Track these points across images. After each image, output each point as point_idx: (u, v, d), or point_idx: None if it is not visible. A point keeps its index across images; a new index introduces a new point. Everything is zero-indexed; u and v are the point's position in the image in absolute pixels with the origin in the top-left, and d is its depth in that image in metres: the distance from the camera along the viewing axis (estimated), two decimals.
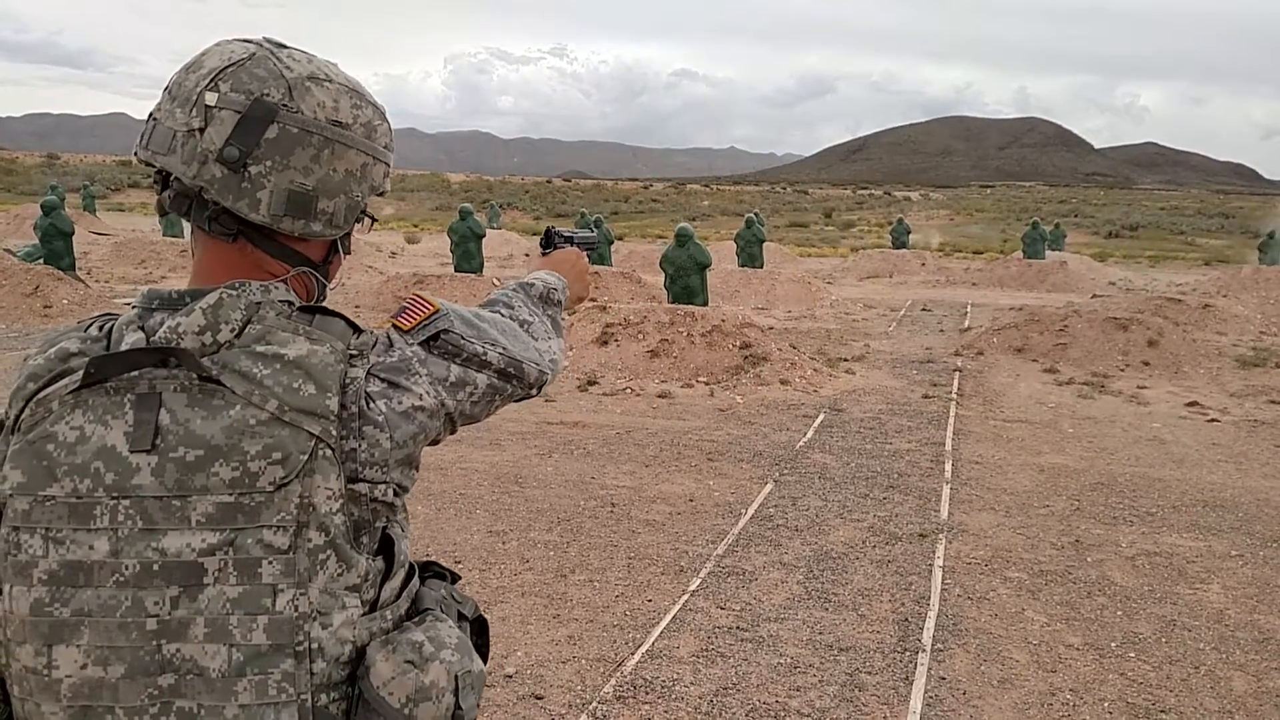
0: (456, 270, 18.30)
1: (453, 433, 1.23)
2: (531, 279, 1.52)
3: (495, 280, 17.66)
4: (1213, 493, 7.28)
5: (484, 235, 18.47)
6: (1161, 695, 4.24)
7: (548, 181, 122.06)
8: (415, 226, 46.10)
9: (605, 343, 11.67)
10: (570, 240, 1.75)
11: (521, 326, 1.36)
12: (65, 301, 14.48)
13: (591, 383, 10.67)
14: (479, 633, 1.30)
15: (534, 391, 1.32)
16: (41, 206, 16.59)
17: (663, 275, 13.82)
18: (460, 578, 1.35)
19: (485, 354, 1.23)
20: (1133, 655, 4.61)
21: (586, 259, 1.72)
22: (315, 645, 1.06)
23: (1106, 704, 4.15)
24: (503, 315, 1.36)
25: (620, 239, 32.81)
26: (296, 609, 1.04)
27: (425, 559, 1.32)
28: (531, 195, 77.99)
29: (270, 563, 1.04)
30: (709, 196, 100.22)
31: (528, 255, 31.25)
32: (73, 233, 16.73)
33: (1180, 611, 5.13)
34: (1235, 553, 6.00)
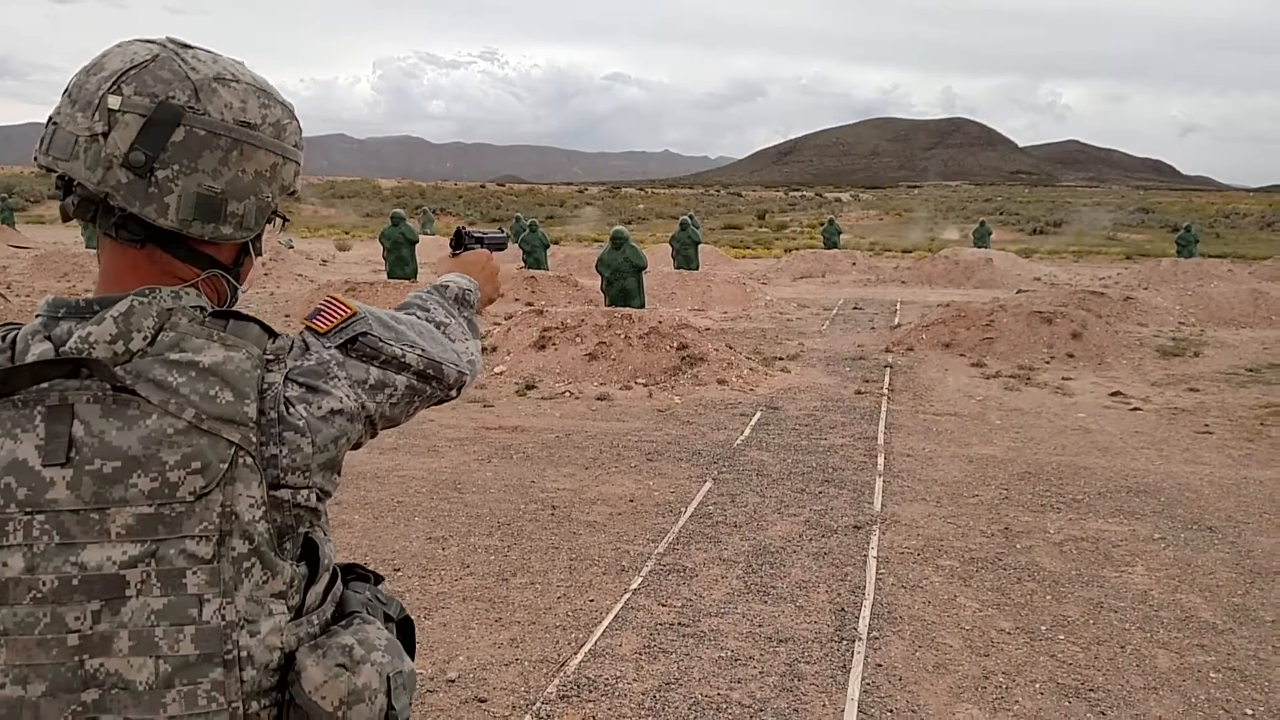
0: (390, 277, 18.16)
1: (373, 435, 1.23)
2: (445, 281, 1.51)
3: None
4: (1136, 479, 7.52)
5: (417, 241, 18.35)
6: (1090, 675, 4.38)
7: (481, 186, 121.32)
8: (346, 233, 45.52)
9: (543, 346, 11.66)
10: (480, 241, 1.74)
11: (438, 328, 1.36)
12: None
13: (530, 387, 10.66)
14: (405, 633, 1.30)
15: (453, 393, 1.32)
16: None
17: (599, 279, 13.85)
18: (384, 579, 1.35)
19: (404, 356, 1.23)
20: (1062, 637, 4.75)
21: (496, 260, 1.72)
22: (244, 653, 1.05)
23: (1038, 685, 4.28)
24: (419, 317, 1.36)
25: (556, 243, 32.75)
26: (224, 618, 1.04)
27: (347, 562, 1.32)
28: (465, 200, 77.47)
29: (195, 573, 1.03)
30: (644, 200, 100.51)
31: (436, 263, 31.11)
32: None
33: (1106, 594, 5.29)
34: (1158, 536, 6.20)
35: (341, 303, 1.23)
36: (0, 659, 1.01)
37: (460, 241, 1.70)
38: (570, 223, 60.04)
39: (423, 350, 1.26)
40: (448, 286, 1.49)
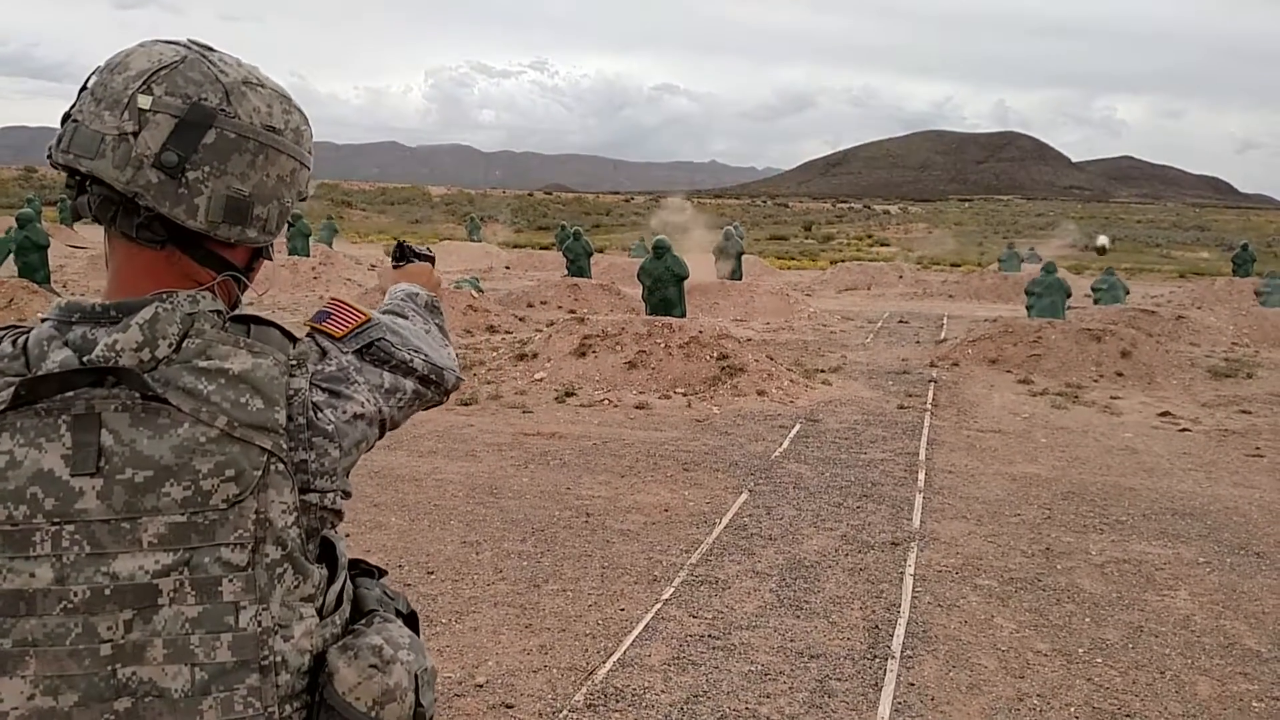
0: None
1: (380, 438, 1.24)
2: (412, 290, 1.51)
3: (473, 293, 17.65)
4: (1182, 501, 7.36)
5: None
6: (1127, 700, 4.29)
7: (529, 195, 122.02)
8: (395, 239, 46.06)
9: (583, 354, 11.69)
10: (421, 256, 1.76)
11: (425, 334, 1.38)
12: (40, 315, 14.37)
13: (569, 394, 10.68)
14: (411, 627, 1.30)
15: (445, 398, 1.34)
16: (16, 219, 16.50)
17: (640, 287, 13.86)
18: (386, 572, 1.35)
19: (411, 361, 1.25)
20: (1100, 661, 4.66)
21: (435, 272, 1.72)
22: (279, 658, 1.06)
23: (1073, 709, 4.19)
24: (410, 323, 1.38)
25: (600, 251, 32.84)
26: (260, 624, 1.04)
27: (351, 557, 1.32)
28: (513, 208, 77.95)
29: (230, 580, 1.03)
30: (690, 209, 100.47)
31: (508, 268, 31.27)
32: (48, 246, 16.62)
33: (1147, 618, 5.18)
34: (1203, 560, 6.07)
35: (353, 307, 1.24)
36: (31, 670, 1.01)
37: (403, 254, 1.72)
38: (615, 231, 60.19)
39: (426, 355, 1.28)
40: (417, 294, 1.49)
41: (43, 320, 1.11)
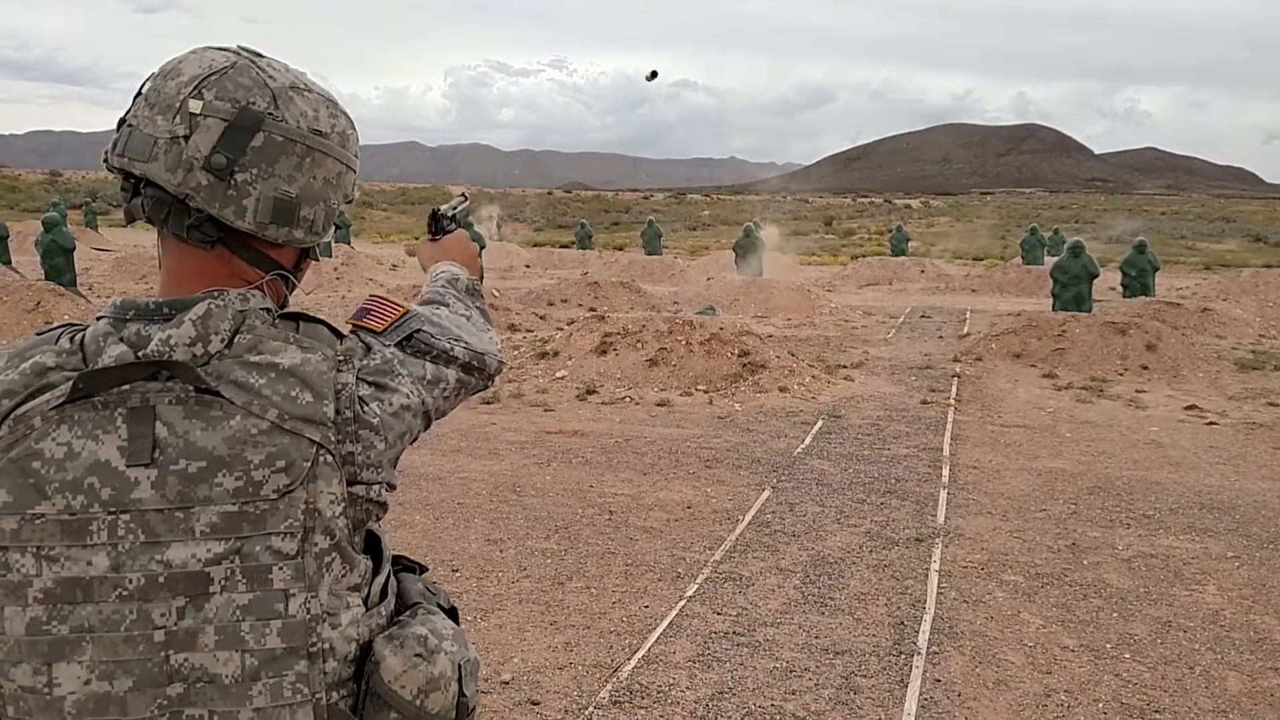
0: None
1: (426, 429, 1.26)
2: (453, 273, 1.50)
3: (494, 291, 17.70)
4: (1210, 495, 7.29)
5: (484, 247, 18.53)
6: (1156, 696, 4.26)
7: (549, 193, 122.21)
8: (417, 239, 46.21)
9: (604, 352, 11.70)
10: (454, 220, 1.68)
11: (466, 320, 1.38)
12: (66, 317, 14.52)
13: (590, 391, 10.69)
14: (452, 621, 1.32)
15: (490, 383, 1.35)
16: (43, 223, 16.68)
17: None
18: (427, 569, 1.38)
19: (452, 349, 1.26)
20: (1128, 656, 4.63)
21: (472, 244, 1.67)
22: (327, 645, 1.09)
23: (1101, 705, 4.17)
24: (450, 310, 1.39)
25: (620, 249, 32.85)
26: (309, 612, 1.07)
27: (394, 553, 1.35)
28: (533, 207, 78.09)
29: (280, 568, 1.06)
30: (710, 206, 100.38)
31: (528, 266, 31.33)
32: (74, 249, 16.80)
33: (1176, 613, 5.14)
34: (1231, 554, 6.01)
35: (391, 302, 1.27)
36: (87, 656, 1.04)
37: (439, 225, 1.64)
38: (633, 229, 60.21)
39: (466, 343, 1.29)
40: (457, 279, 1.49)
41: (99, 318, 1.13)
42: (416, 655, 1.14)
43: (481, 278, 1.55)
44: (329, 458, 1.08)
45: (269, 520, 1.06)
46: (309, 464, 1.07)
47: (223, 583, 1.05)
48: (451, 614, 1.32)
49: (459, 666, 1.18)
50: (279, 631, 1.06)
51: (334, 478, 1.08)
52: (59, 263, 16.42)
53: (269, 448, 1.06)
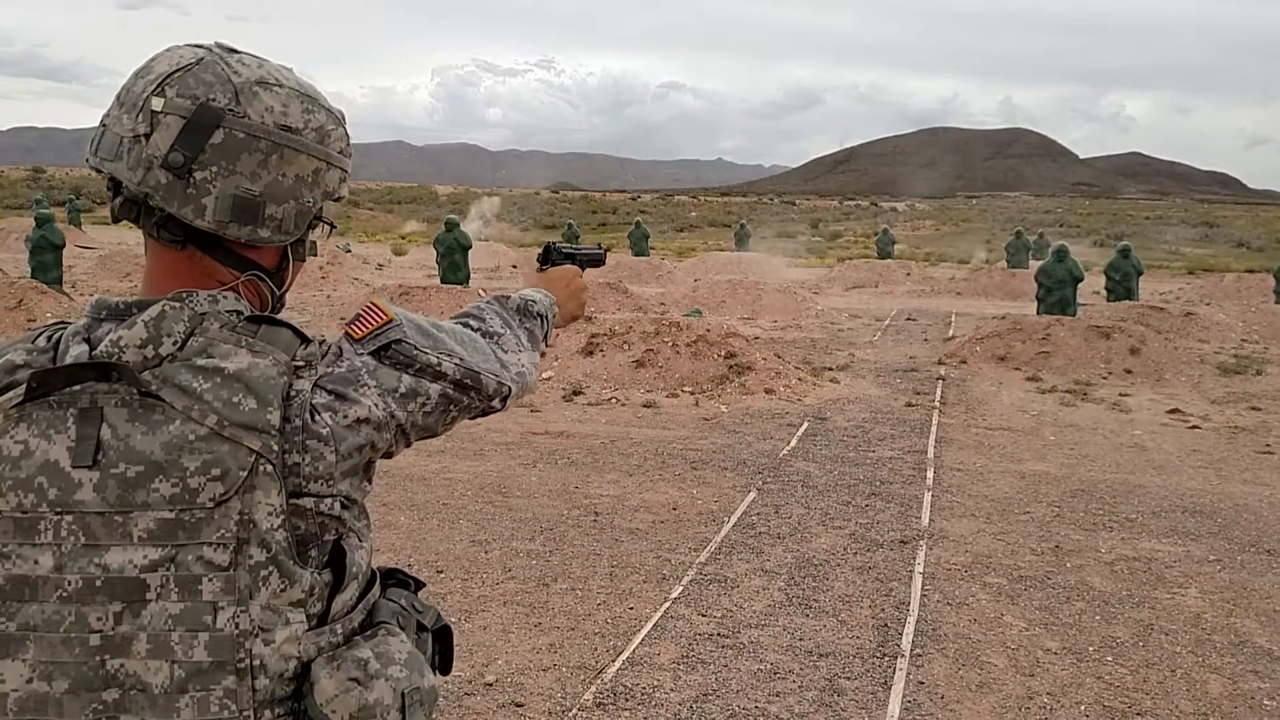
0: (443, 281, 18.31)
1: (407, 445, 1.21)
2: (523, 294, 1.48)
3: (480, 291, 17.67)
4: (1192, 499, 7.34)
5: (470, 247, 18.49)
6: (1138, 698, 4.28)
7: (536, 193, 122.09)
8: (402, 238, 46.07)
9: (590, 353, 11.69)
10: (571, 257, 1.67)
11: (489, 338, 1.33)
12: (49, 315, 14.42)
13: (577, 393, 10.68)
14: (442, 641, 1.28)
15: (495, 404, 1.29)
16: (35, 219, 16.60)
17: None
18: (425, 584, 1.33)
19: (440, 364, 1.20)
20: (1110, 659, 4.65)
21: (582, 277, 1.65)
22: (257, 662, 1.05)
23: (1083, 707, 4.18)
24: (470, 326, 1.34)
25: (609, 250, 32.87)
26: (237, 626, 1.03)
27: (389, 566, 1.30)
28: (519, 207, 77.99)
29: (210, 580, 1.03)
30: (696, 207, 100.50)
31: (515, 267, 31.28)
32: (64, 246, 16.72)
33: (1158, 616, 5.17)
34: (1213, 557, 6.05)
35: (380, 309, 1.21)
36: (30, 654, 1.03)
37: (548, 257, 1.64)
38: (620, 230, 60.24)
39: (461, 359, 1.23)
40: (509, 297, 1.46)
41: (83, 318, 1.13)
42: (351, 679, 1.08)
43: (582, 316, 1.51)
44: (269, 467, 1.04)
45: (204, 529, 1.03)
46: (245, 473, 1.03)
47: (158, 590, 1.03)
48: (441, 633, 1.28)
49: (403, 695, 1.11)
50: (205, 644, 1.03)
51: (273, 488, 1.04)
52: (47, 259, 16.32)
53: (205, 454, 1.03)
